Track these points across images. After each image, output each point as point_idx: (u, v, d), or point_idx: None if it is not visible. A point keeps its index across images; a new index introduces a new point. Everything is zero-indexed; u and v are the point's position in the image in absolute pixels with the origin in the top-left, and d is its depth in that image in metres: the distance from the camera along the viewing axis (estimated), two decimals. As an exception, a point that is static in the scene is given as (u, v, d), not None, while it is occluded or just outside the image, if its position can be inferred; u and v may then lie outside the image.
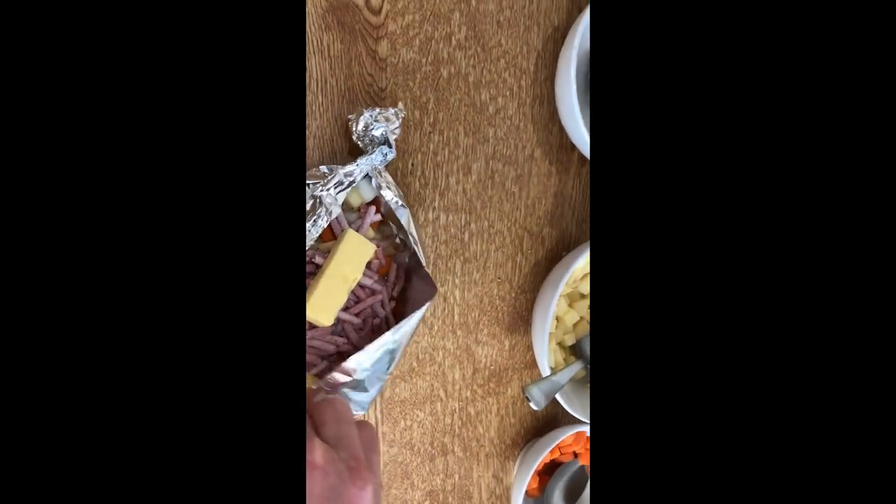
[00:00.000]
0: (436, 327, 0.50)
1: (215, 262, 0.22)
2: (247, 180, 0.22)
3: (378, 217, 0.43)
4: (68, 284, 0.21)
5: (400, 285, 0.45)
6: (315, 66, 0.44)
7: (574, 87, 0.41)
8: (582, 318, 0.48)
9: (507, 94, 0.48)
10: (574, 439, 0.51)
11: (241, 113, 0.22)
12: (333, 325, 0.42)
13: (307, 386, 0.40)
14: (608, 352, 0.23)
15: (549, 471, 0.51)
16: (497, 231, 0.49)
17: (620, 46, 0.23)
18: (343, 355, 0.42)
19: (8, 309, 0.20)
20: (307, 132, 0.44)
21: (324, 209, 0.39)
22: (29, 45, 0.21)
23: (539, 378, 0.45)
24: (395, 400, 0.50)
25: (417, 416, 0.50)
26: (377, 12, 0.45)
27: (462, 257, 0.49)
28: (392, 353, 0.41)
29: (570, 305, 0.48)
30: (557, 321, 0.48)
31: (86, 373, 0.21)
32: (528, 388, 0.42)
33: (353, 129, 0.41)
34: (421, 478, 0.52)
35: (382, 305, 0.43)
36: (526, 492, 0.49)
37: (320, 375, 0.42)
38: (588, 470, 0.51)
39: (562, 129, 0.49)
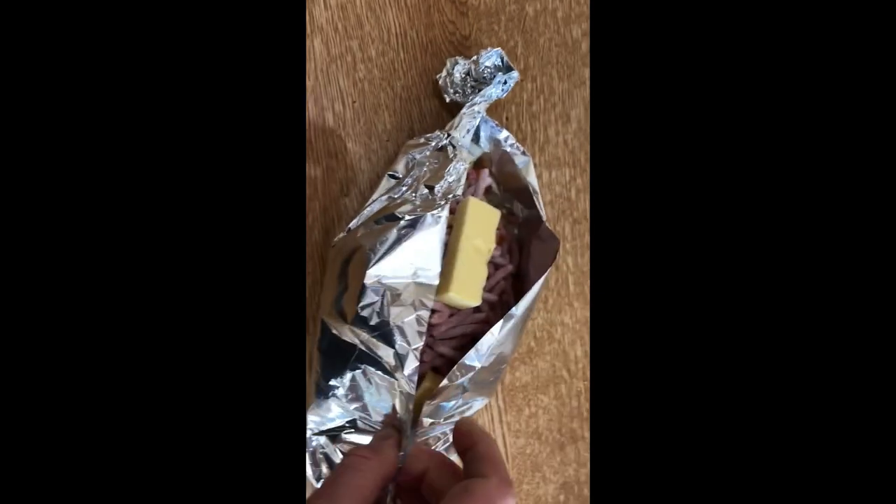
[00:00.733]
0: (550, 301, 0.44)
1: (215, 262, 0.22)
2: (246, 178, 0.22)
3: (489, 179, 0.38)
4: (68, 293, 0.21)
5: (516, 259, 0.39)
6: (392, 19, 0.39)
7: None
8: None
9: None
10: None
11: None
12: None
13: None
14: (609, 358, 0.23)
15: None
16: (605, 184, 0.44)
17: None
18: (475, 337, 0.36)
19: (7, 309, 0.20)
20: (392, 92, 0.39)
21: (456, 153, 0.34)
22: (27, 44, 0.21)
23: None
24: (517, 385, 0.44)
25: (542, 401, 0.45)
26: (451, -50, 0.40)
27: (571, 218, 0.44)
28: (515, 331, 0.35)
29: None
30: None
31: (87, 375, 0.21)
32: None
33: (447, 84, 0.37)
34: (552, 469, 0.46)
35: (506, 279, 0.38)
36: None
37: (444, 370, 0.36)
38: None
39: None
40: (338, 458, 0.34)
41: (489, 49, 0.36)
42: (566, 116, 0.43)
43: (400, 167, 0.36)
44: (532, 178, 0.37)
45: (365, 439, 0.34)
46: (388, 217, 0.33)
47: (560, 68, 0.42)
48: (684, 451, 0.22)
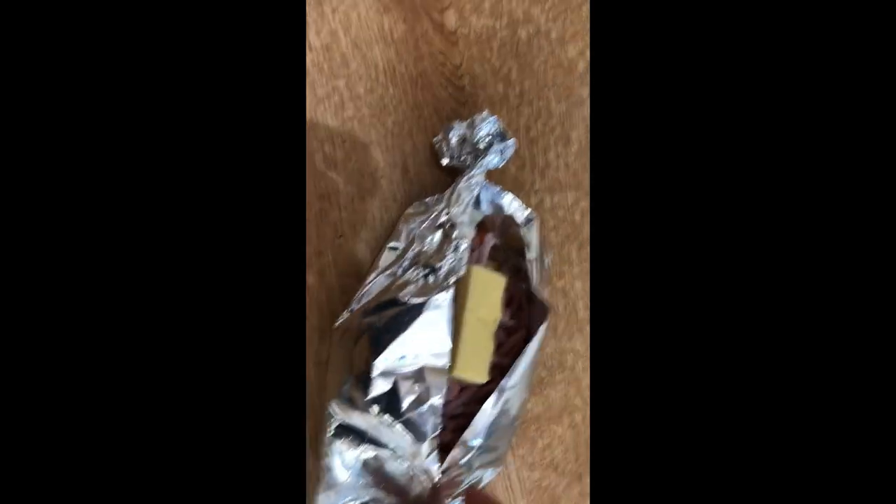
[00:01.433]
0: (560, 328, 0.43)
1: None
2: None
3: (493, 240, 0.37)
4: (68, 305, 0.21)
5: (526, 318, 0.38)
6: (379, 55, 0.38)
7: None
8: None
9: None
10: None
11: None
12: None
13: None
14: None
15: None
16: (611, 205, 0.42)
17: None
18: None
19: (7, 309, 0.20)
20: (384, 129, 0.39)
21: (458, 232, 0.33)
22: (27, 44, 0.21)
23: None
24: (529, 417, 0.43)
25: (556, 431, 0.44)
26: (437, -20, 0.39)
27: (577, 241, 0.42)
28: (505, 407, 0.34)
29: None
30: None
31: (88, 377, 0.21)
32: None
33: (443, 150, 0.36)
34: (571, 501, 0.45)
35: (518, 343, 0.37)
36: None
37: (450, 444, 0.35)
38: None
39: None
40: None
41: (484, 113, 0.35)
42: (566, 138, 0.42)
43: (401, 239, 0.35)
44: (533, 240, 0.36)
45: None
46: (391, 302, 0.32)
47: (557, 90, 0.41)
48: (690, 479, 0.22)
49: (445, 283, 0.32)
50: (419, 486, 0.32)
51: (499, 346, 0.36)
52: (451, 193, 0.34)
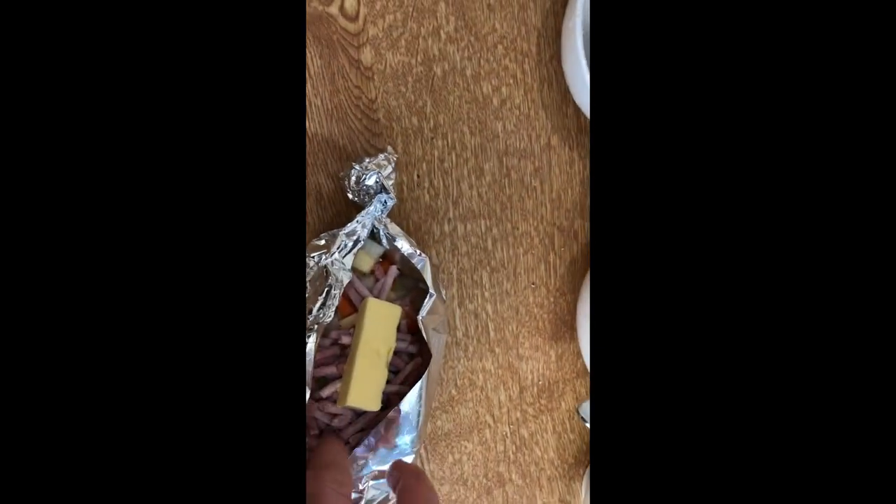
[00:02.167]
0: (470, 348, 0.45)
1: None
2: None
3: (396, 272, 0.39)
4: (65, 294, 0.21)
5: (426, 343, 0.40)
6: (295, 87, 0.40)
7: (583, 60, 0.36)
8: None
9: (511, 81, 0.43)
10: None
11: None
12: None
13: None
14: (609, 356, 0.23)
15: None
16: (523, 233, 0.45)
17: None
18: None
19: (7, 309, 0.20)
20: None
21: (333, 278, 0.35)
22: (27, 44, 0.21)
23: (593, 391, 0.40)
24: (439, 434, 0.45)
25: (466, 447, 0.46)
26: (354, 18, 0.41)
27: (488, 267, 0.45)
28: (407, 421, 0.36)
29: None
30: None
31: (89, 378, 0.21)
32: (582, 407, 0.37)
33: (347, 185, 0.38)
34: (480, 513, 0.47)
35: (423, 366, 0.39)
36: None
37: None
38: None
39: (577, 110, 0.44)
40: None
41: (374, 161, 0.37)
42: (479, 169, 0.44)
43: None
44: (428, 278, 0.37)
45: None
46: None
47: (472, 124, 0.43)
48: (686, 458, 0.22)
49: (312, 328, 0.34)
50: None
51: (397, 373, 0.38)
52: (332, 241, 0.36)
